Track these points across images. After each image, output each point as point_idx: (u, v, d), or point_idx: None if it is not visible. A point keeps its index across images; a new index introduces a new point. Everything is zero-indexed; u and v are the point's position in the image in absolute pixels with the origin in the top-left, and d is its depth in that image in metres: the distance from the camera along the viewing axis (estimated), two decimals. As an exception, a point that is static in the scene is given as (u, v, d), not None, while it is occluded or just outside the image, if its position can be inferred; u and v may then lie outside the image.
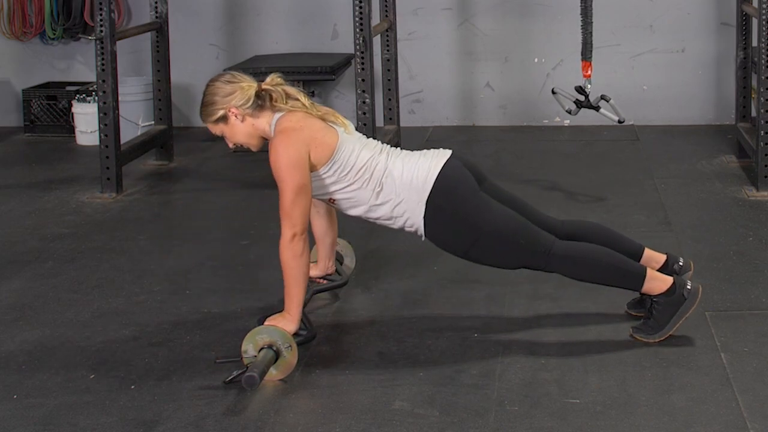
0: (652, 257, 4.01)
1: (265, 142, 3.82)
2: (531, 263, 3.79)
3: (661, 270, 3.96)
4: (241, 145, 3.83)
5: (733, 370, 3.55)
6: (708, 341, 3.78)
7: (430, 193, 3.71)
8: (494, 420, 3.26)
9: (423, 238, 3.80)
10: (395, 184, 3.74)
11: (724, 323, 3.94)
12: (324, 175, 3.72)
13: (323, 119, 3.78)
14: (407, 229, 3.80)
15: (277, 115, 3.75)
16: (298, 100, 3.78)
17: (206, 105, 3.76)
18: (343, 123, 3.81)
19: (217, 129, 3.79)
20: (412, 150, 3.87)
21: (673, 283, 3.78)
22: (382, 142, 3.88)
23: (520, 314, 4.06)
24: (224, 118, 3.75)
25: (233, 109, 3.73)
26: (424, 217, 3.73)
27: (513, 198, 3.93)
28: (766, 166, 5.63)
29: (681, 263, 4.03)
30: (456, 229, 3.74)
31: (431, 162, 3.76)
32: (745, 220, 5.23)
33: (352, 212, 3.82)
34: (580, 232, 3.95)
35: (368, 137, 3.90)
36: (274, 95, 3.75)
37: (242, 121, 3.75)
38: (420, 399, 3.39)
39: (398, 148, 3.88)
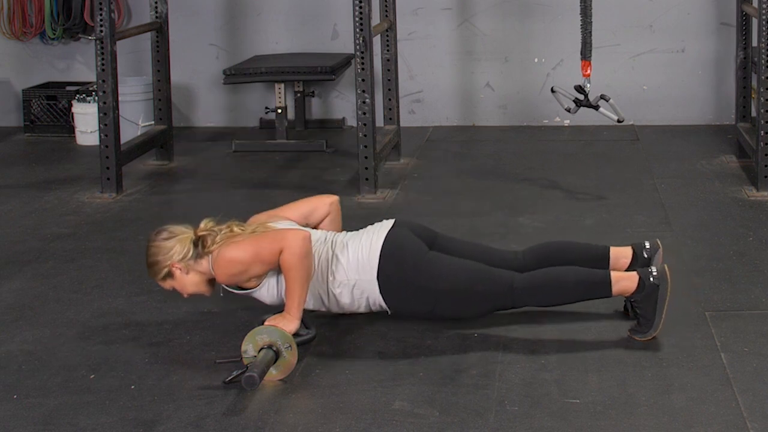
0: (620, 254, 4.04)
1: (217, 285, 3.85)
2: (497, 305, 3.85)
3: (633, 261, 4.00)
4: (195, 295, 3.86)
5: (733, 370, 3.55)
6: (708, 341, 3.78)
7: (378, 268, 3.78)
8: (494, 420, 3.26)
9: (389, 312, 3.87)
10: (344, 269, 3.81)
11: (724, 323, 3.94)
12: (275, 280, 3.78)
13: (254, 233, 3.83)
14: (373, 308, 3.88)
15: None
16: (228, 229, 3.83)
17: (150, 266, 3.81)
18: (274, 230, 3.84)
19: (166, 285, 3.84)
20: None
21: (639, 277, 3.80)
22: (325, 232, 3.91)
23: (520, 314, 4.05)
24: (170, 275, 3.80)
25: (176, 264, 3.77)
26: (381, 292, 3.80)
27: (468, 245, 4.02)
28: (766, 166, 5.63)
29: (648, 246, 4.05)
30: (414, 295, 3.80)
31: (372, 237, 3.84)
32: (745, 220, 5.23)
33: (317, 307, 3.88)
34: (542, 257, 4.00)
35: (311, 229, 3.93)
36: (208, 240, 3.79)
37: (187, 273, 3.79)
38: (420, 399, 3.40)
39: (342, 232, 3.96)
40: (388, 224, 3.91)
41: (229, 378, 3.48)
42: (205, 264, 3.79)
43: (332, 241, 3.88)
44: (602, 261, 3.99)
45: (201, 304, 4.24)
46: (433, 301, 3.80)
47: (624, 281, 3.80)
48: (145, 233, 5.19)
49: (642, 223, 5.20)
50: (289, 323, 3.62)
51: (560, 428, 3.21)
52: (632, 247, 4.05)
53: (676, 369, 3.58)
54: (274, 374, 3.55)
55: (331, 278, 3.82)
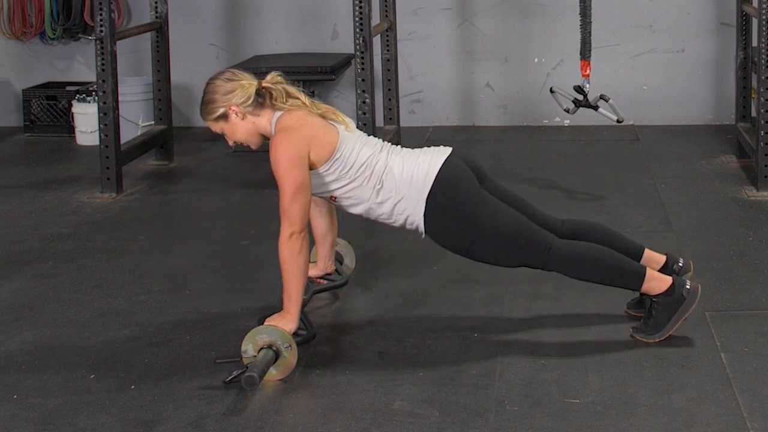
0: (652, 258, 4.01)
1: (265, 141, 3.82)
2: (531, 262, 3.79)
3: (661, 271, 3.96)
4: (241, 144, 3.83)
5: (733, 370, 3.55)
6: (708, 341, 3.78)
7: (431, 190, 3.71)
8: (494, 420, 3.26)
9: (423, 235, 3.80)
10: (395, 181, 3.73)
11: (724, 323, 3.94)
12: (324, 173, 3.72)
13: (324, 117, 3.78)
14: (408, 226, 3.80)
15: (278, 114, 3.76)
16: (298, 98, 3.78)
17: (206, 103, 3.76)
18: (343, 121, 3.81)
19: (217, 127, 3.79)
20: (412, 148, 3.87)
21: (673, 282, 3.77)
22: (383, 140, 3.88)
23: (520, 314, 4.06)
24: (224, 116, 3.75)
25: (234, 107, 3.73)
26: (425, 214, 3.73)
27: (514, 196, 3.93)
28: (766, 166, 5.63)
29: (681, 264, 4.02)
30: (456, 227, 3.73)
31: (431, 159, 3.76)
32: (745, 220, 5.22)
33: (353, 210, 3.82)
34: (580, 232, 3.94)
35: (369, 135, 3.90)
36: (274, 93, 3.75)
37: (243, 119, 3.75)
38: (420, 399, 3.39)
39: (399, 146, 3.88)
40: (447, 150, 3.82)
41: (229, 378, 3.48)
42: (266, 117, 3.75)
43: (389, 151, 3.80)
44: (634, 257, 3.94)
45: (201, 304, 4.24)
46: (472, 237, 3.73)
47: (656, 281, 3.78)
48: (145, 233, 5.22)
49: (642, 223, 5.20)
50: (288, 323, 3.61)
51: (560, 428, 3.21)
52: (666, 257, 4.03)
53: (676, 369, 3.58)
54: (274, 374, 3.54)
55: (378, 186, 3.73)
